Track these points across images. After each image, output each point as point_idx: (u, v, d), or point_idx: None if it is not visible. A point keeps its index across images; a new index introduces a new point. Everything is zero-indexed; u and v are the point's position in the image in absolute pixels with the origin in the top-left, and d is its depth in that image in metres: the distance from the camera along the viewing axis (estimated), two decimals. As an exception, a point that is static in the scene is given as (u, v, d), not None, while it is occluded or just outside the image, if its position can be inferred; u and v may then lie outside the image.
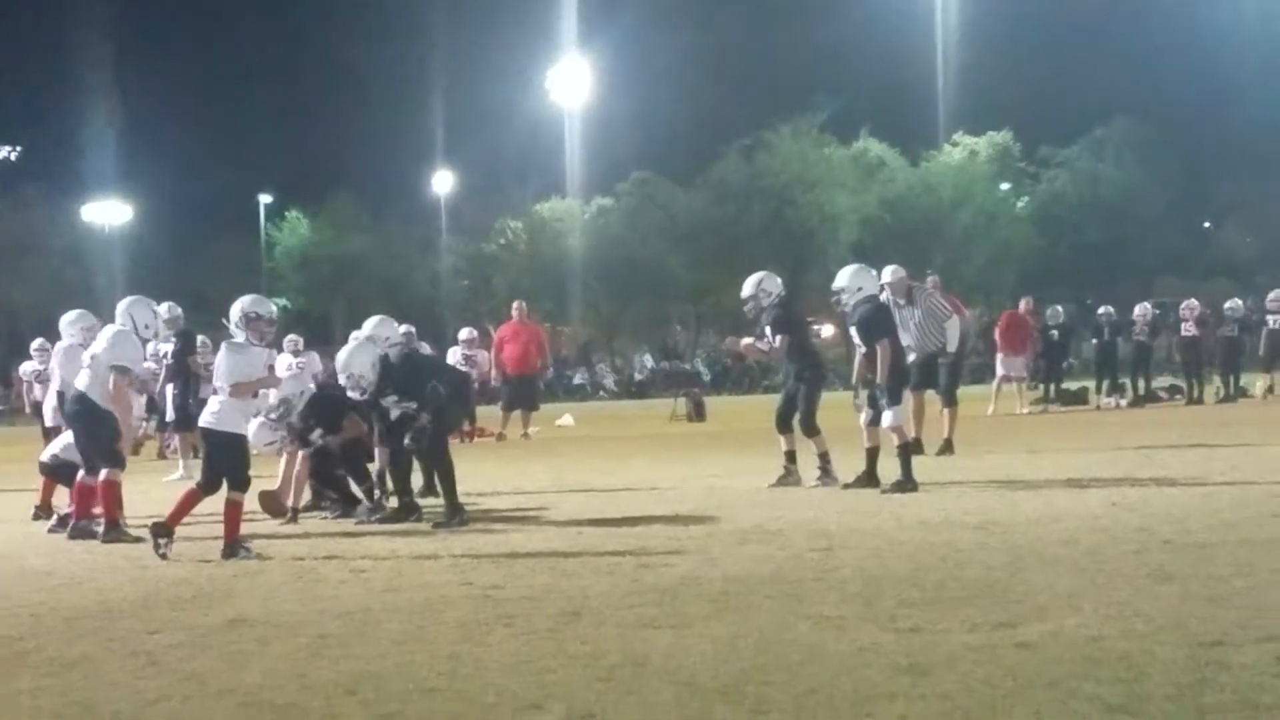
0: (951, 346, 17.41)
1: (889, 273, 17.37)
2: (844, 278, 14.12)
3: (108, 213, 74.11)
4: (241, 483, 10.78)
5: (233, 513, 10.64)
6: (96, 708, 5.91)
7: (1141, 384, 30.16)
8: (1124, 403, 29.39)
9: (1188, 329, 29.93)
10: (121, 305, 12.94)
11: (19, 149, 77.99)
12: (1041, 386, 30.64)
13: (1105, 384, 30.60)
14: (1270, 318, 29.88)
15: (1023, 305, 30.03)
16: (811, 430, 14.19)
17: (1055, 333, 31.01)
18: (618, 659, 6.33)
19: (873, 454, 13.69)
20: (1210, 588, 7.40)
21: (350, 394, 12.50)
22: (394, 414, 12.44)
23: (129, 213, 74.45)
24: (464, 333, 28.26)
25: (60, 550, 11.52)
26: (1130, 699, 5.26)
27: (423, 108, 74.76)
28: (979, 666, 5.87)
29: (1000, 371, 28.76)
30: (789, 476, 14.14)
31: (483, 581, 8.80)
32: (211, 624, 7.76)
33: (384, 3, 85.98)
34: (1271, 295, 30.76)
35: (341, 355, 12.79)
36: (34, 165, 75.02)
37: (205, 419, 11.04)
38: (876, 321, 13.85)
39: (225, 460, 10.85)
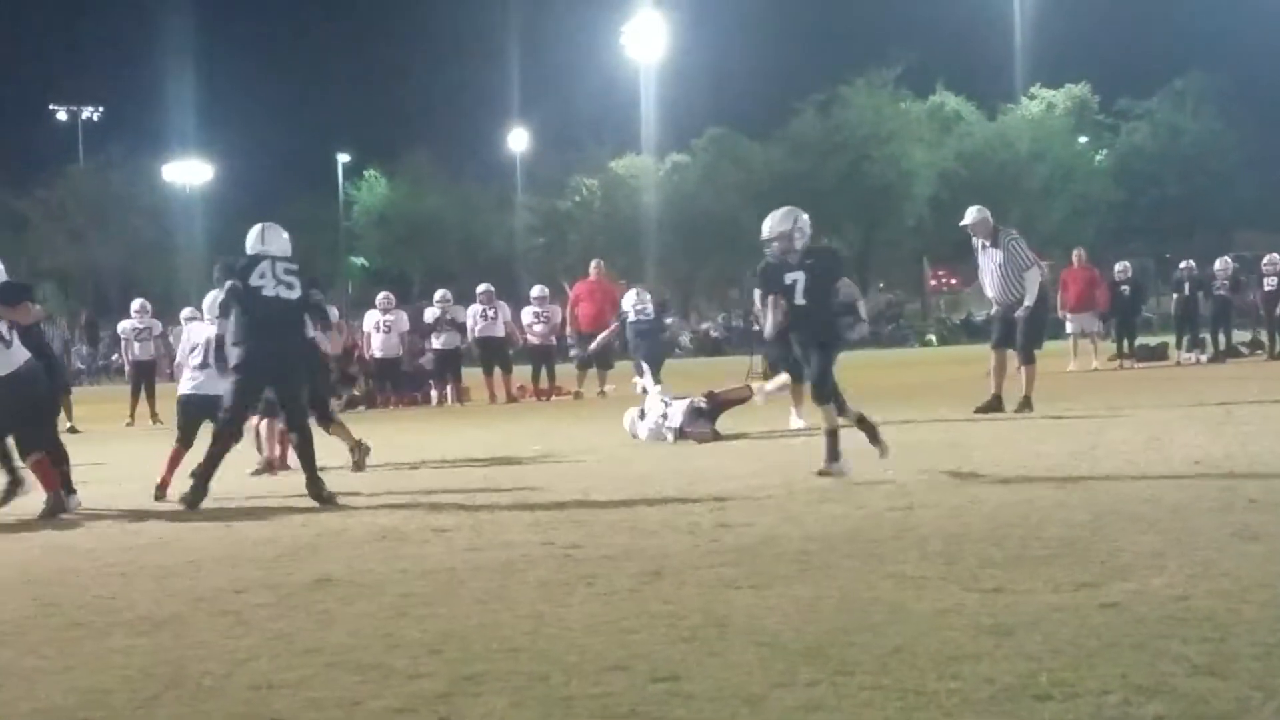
0: (1030, 299, 17.10)
1: (972, 213, 17.19)
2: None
3: (189, 172, 74.76)
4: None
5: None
6: (186, 666, 5.96)
7: (1222, 339, 29.91)
8: (1204, 358, 29.14)
9: (1269, 283, 29.63)
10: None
11: (102, 109, 78.77)
12: (1115, 343, 30.45)
13: (1185, 339, 30.36)
14: None
15: (1075, 259, 29.70)
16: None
17: (1125, 288, 30.83)
18: (699, 619, 6.32)
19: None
20: (1297, 547, 7.32)
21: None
22: None
23: (209, 172, 75.11)
24: (536, 290, 28.45)
25: (146, 510, 11.64)
26: (1217, 659, 5.21)
27: (498, 65, 75.01)
28: (1063, 627, 5.82)
29: (1070, 329, 28.59)
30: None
31: (563, 541, 8.82)
32: (297, 583, 7.82)
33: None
34: None
35: None
36: (116, 125, 75.88)
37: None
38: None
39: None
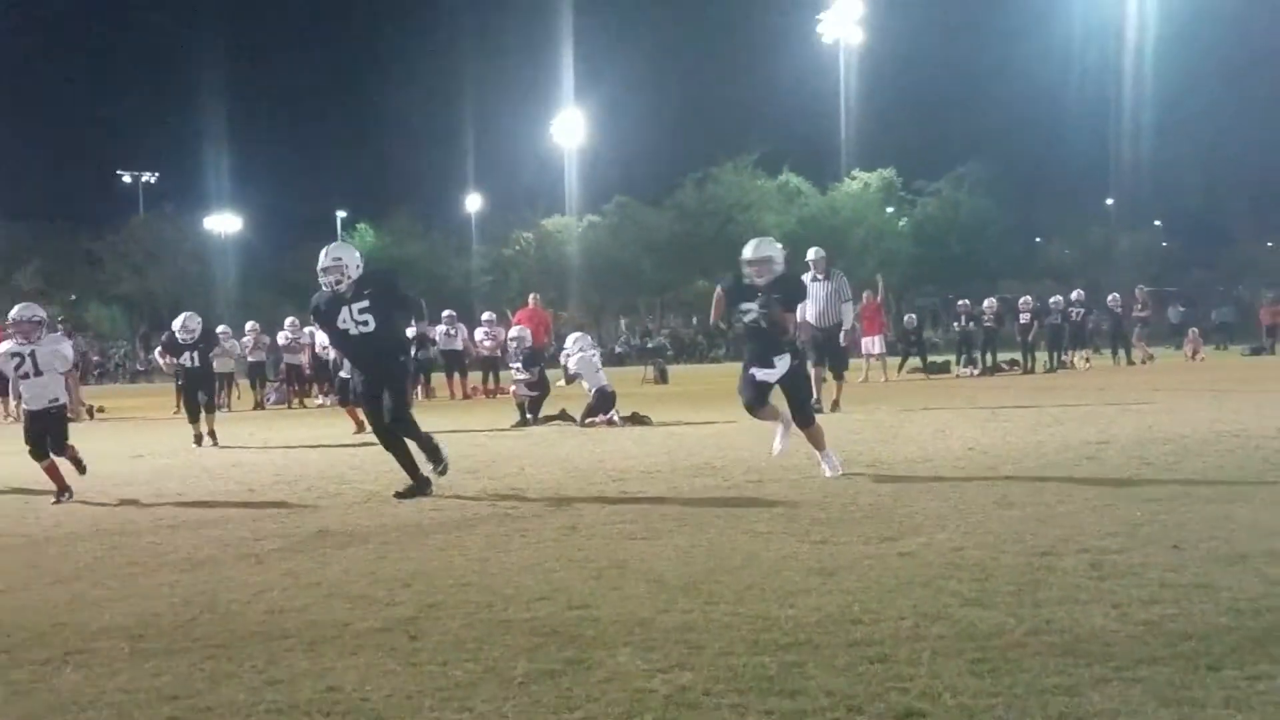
0: (847, 325, 17.06)
1: (816, 251, 17.19)
2: None
3: (223, 223, 73.86)
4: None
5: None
6: (217, 596, 5.89)
7: (990, 358, 30.28)
8: (976, 372, 29.45)
9: (1023, 318, 30.09)
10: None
11: (157, 174, 77.86)
12: (899, 361, 31.12)
13: (962, 358, 30.72)
14: (1073, 310, 30.35)
15: (865, 299, 29.68)
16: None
17: (912, 335, 32.06)
18: (605, 563, 6.32)
19: None
20: (1041, 511, 7.40)
21: None
22: None
23: (239, 223, 74.23)
24: (486, 315, 28.39)
25: (189, 477, 11.48)
26: (982, 594, 5.27)
27: (460, 146, 74.96)
28: (871, 570, 5.87)
29: (864, 350, 28.70)
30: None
31: (503, 504, 8.80)
32: (303, 533, 7.75)
33: (435, 68, 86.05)
34: (1074, 294, 31.17)
35: None
36: (168, 186, 75.05)
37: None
38: None
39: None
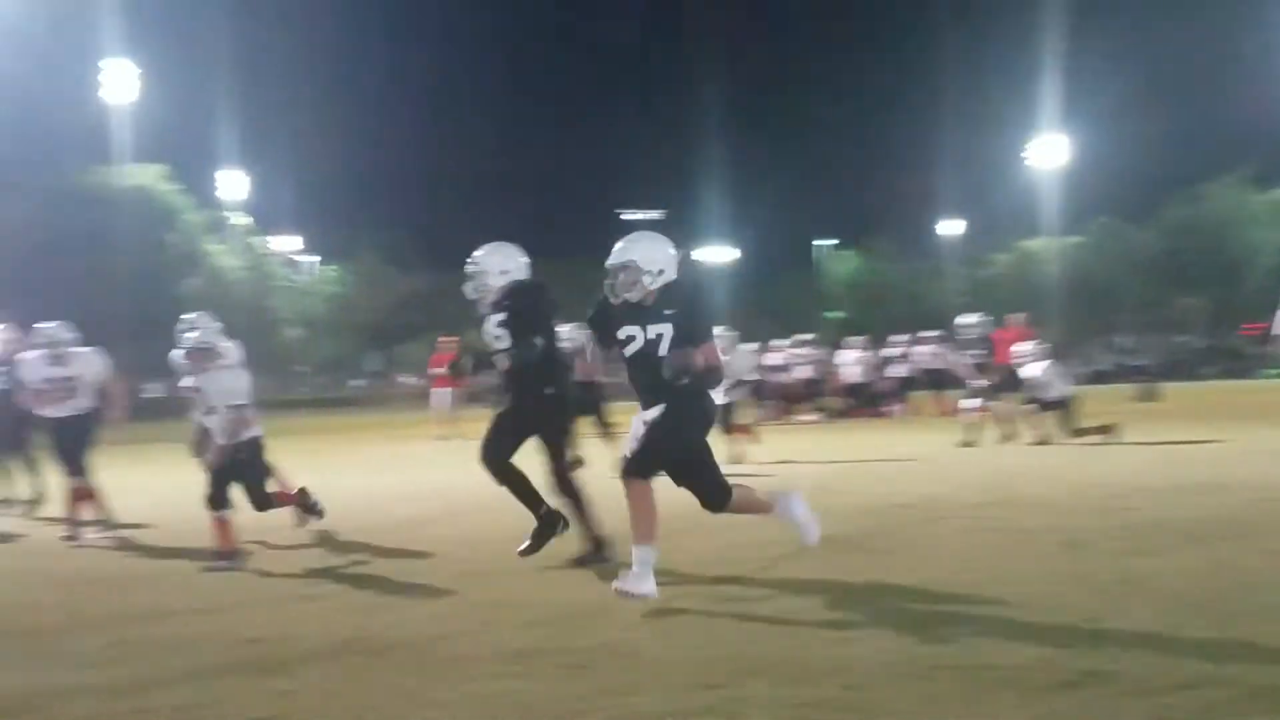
0: None
1: None
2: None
3: (719, 254, 77.25)
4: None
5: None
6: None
7: None
8: None
9: None
10: None
11: (665, 210, 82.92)
12: None
13: None
14: None
15: None
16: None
17: None
18: (1109, 577, 6.04)
19: None
20: None
21: None
22: None
23: (737, 253, 77.60)
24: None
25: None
26: None
27: (936, 173, 74.50)
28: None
29: None
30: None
31: (1000, 518, 8.55)
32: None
33: (915, 102, 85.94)
34: None
35: None
36: (674, 222, 79.47)
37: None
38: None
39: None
